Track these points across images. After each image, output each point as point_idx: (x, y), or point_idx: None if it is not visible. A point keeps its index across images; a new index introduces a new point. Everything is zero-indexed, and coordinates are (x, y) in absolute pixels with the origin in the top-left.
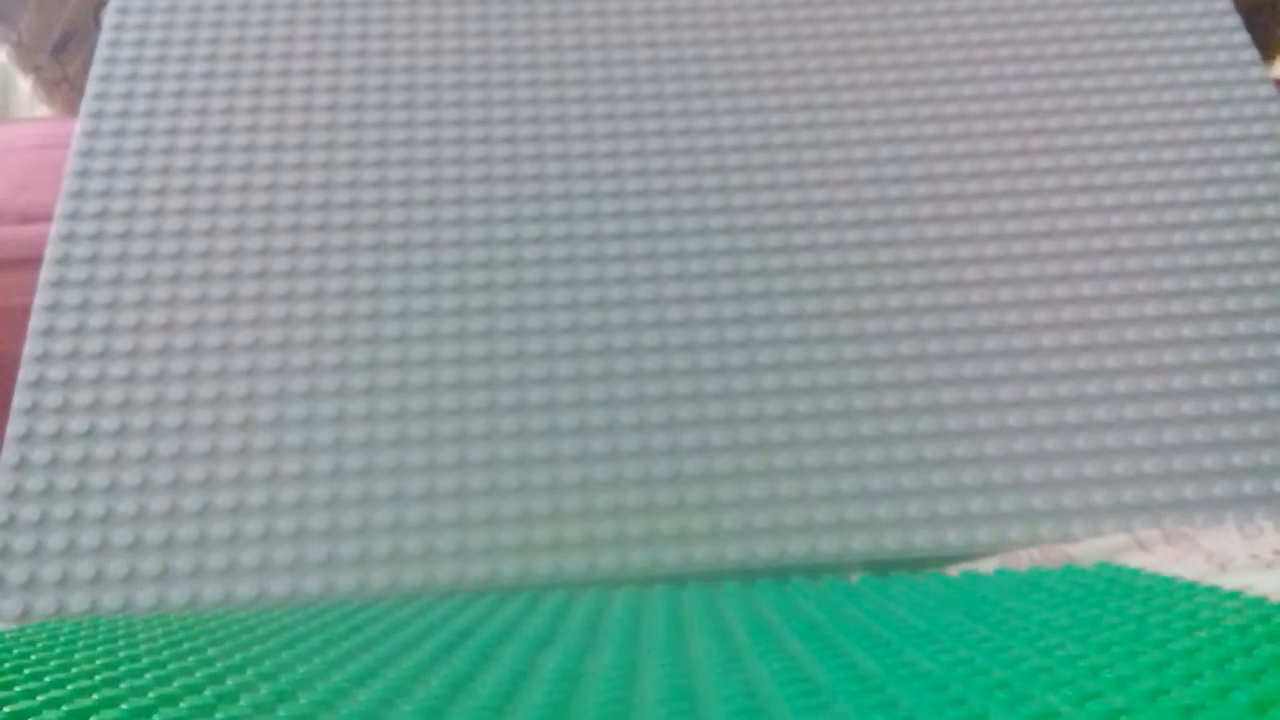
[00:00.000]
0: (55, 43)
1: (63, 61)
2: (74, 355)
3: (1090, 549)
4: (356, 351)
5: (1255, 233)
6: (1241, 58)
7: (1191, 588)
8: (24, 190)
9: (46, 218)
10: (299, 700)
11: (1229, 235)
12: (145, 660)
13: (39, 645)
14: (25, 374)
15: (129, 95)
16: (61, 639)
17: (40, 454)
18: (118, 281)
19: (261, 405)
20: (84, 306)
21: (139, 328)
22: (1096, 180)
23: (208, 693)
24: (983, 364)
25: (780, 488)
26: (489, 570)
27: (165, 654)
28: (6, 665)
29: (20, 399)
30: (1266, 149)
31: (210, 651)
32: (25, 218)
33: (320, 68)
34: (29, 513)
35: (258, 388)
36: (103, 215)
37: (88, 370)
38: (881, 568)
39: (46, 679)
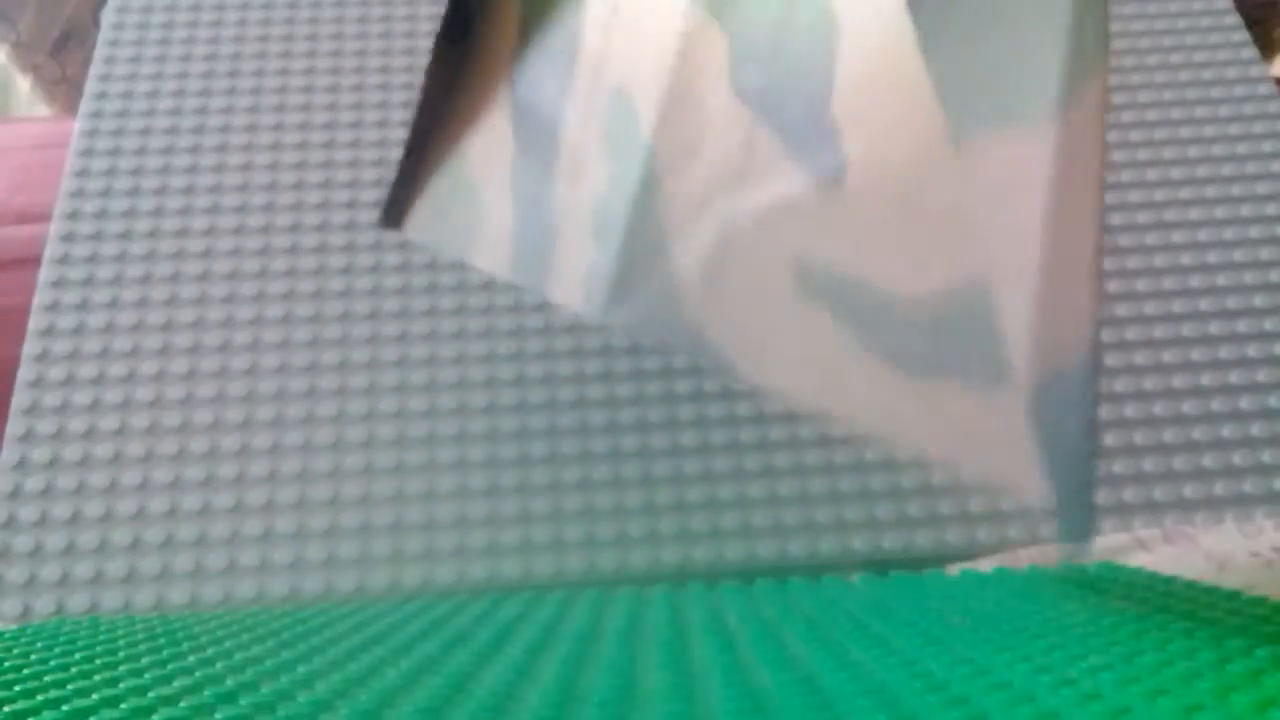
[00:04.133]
0: (54, 42)
1: (62, 61)
2: (73, 355)
3: (1090, 549)
4: (356, 351)
5: (1255, 232)
6: (1241, 57)
7: (1191, 587)
8: (23, 190)
9: (45, 218)
10: (299, 700)
11: (1229, 234)
12: (145, 660)
13: (39, 645)
14: (25, 374)
15: (128, 95)
16: (61, 639)
17: (40, 454)
18: (117, 281)
19: (261, 405)
20: (83, 306)
21: (139, 328)
22: None
23: (208, 693)
24: None
25: (780, 488)
26: (489, 570)
27: (165, 654)
28: (6, 665)
29: (20, 399)
30: (1266, 148)
31: (210, 651)
32: (24, 218)
33: (320, 66)
34: (29, 513)
35: (257, 388)
36: (102, 215)
37: (87, 370)
38: (881, 568)
39: (46, 679)
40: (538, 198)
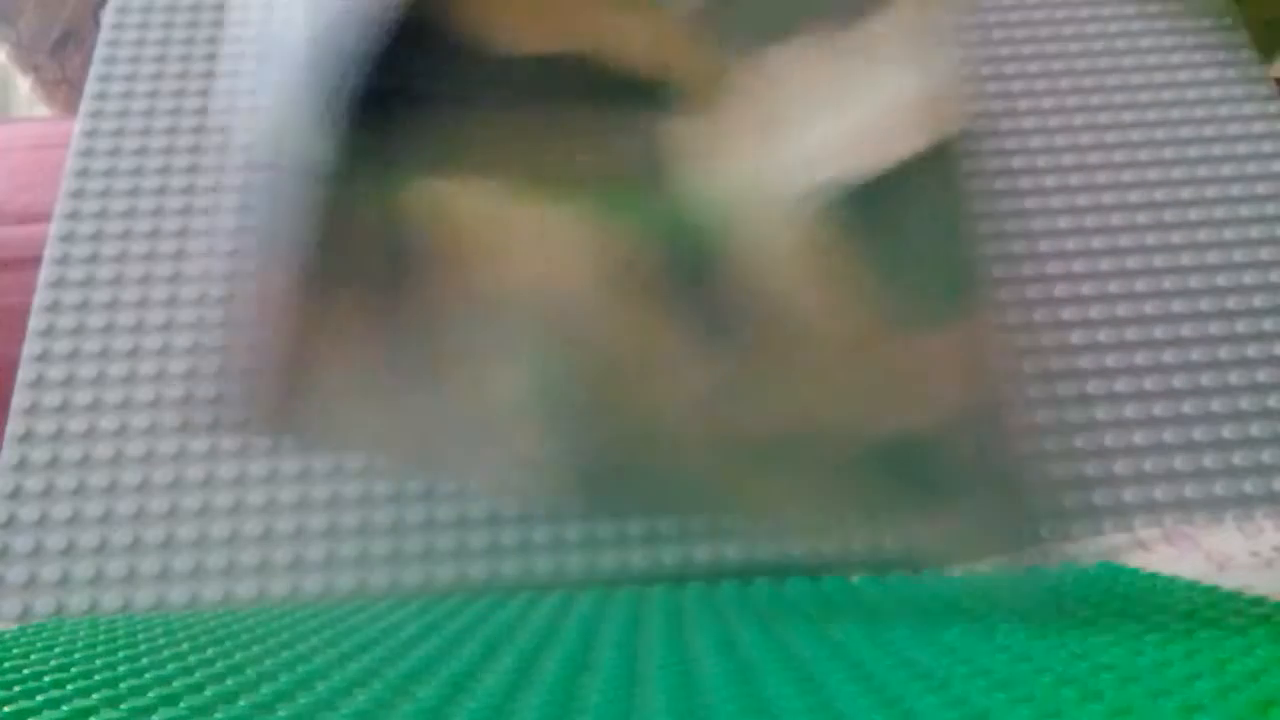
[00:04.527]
0: (54, 42)
1: (62, 61)
2: (73, 355)
3: (1090, 549)
4: None
5: (1255, 232)
6: (1241, 56)
7: (1191, 587)
8: (23, 190)
9: (45, 218)
10: (299, 700)
11: (1229, 234)
12: (145, 660)
13: (39, 645)
14: (25, 374)
15: (128, 95)
16: (61, 639)
17: (40, 454)
18: (117, 281)
19: None
20: (83, 306)
21: (139, 328)
22: (1096, 179)
23: (208, 692)
24: None
25: None
26: (489, 570)
27: (165, 654)
28: (6, 665)
29: (20, 399)
30: (1266, 148)
31: (210, 651)
32: (24, 218)
33: None
34: (29, 513)
35: None
36: (102, 215)
37: (87, 370)
38: (881, 568)
39: (46, 679)
40: (442, 399)
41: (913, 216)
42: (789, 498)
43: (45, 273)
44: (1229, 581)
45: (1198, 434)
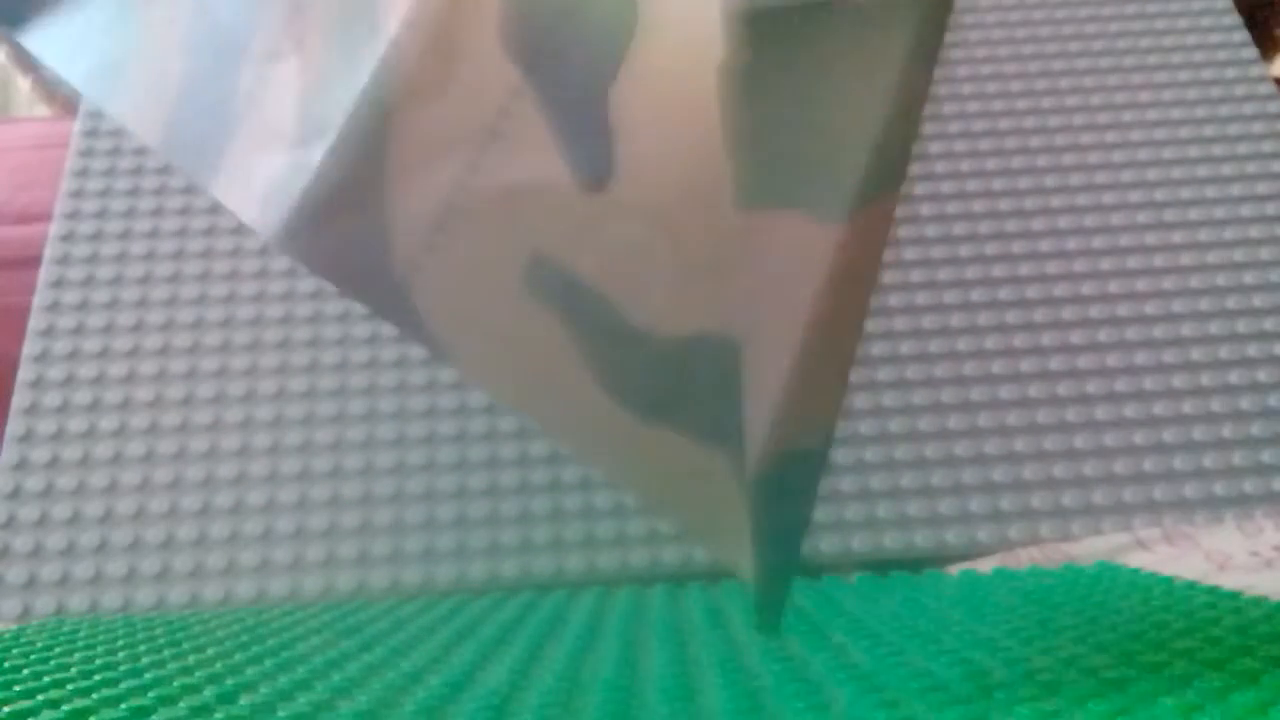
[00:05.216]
0: None
1: None
2: (73, 355)
3: (1090, 549)
4: (356, 351)
5: (1255, 231)
6: (1241, 56)
7: (1191, 587)
8: (23, 190)
9: (45, 218)
10: (299, 700)
11: (1229, 234)
12: (145, 660)
13: (39, 645)
14: (24, 374)
15: None
16: (61, 639)
17: (40, 454)
18: (117, 281)
19: (261, 405)
20: (83, 306)
21: (139, 328)
22: (1096, 179)
23: (208, 693)
24: (982, 363)
25: None
26: (489, 570)
27: (165, 654)
28: (6, 665)
29: (19, 399)
30: (1266, 147)
31: (210, 651)
32: (24, 218)
33: None
34: (29, 513)
35: (257, 387)
36: (102, 215)
37: (87, 370)
38: (881, 568)
39: (46, 679)
40: (221, 63)
41: (841, 61)
42: (540, 359)
43: (45, 273)
44: (1229, 581)
45: (1198, 434)
